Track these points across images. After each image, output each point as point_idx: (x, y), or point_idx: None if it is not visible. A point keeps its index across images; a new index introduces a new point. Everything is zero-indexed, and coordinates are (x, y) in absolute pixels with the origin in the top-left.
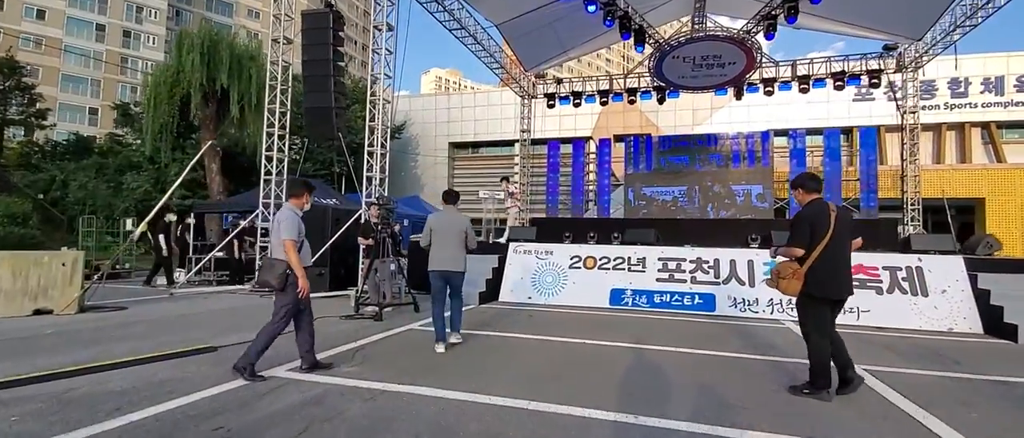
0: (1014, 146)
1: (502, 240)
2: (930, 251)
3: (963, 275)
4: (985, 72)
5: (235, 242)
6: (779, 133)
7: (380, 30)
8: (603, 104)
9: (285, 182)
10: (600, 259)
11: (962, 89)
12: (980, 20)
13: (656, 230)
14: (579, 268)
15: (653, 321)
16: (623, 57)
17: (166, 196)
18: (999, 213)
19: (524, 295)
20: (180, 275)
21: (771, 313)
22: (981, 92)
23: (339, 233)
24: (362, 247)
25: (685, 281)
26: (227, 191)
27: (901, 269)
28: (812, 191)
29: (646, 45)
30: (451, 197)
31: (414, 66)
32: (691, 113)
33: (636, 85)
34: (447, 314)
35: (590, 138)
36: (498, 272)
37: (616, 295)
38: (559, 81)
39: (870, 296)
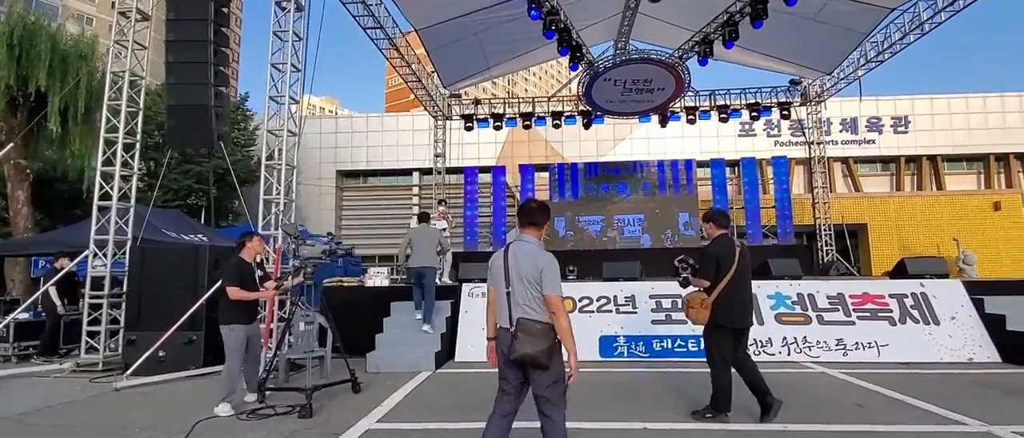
0: (867, 178)
1: (444, 280)
2: (926, 275)
3: (967, 300)
4: (842, 114)
5: (56, 296)
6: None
7: (286, 9)
8: (526, 127)
9: (139, 211)
10: (581, 300)
11: (826, 128)
12: (887, 57)
13: (580, 261)
14: None
15: (669, 377)
16: (507, 92)
17: None
18: (879, 236)
19: None
20: None
21: (787, 354)
22: (840, 131)
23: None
24: (274, 298)
25: (685, 321)
26: (38, 227)
27: (907, 296)
28: (722, 227)
29: (580, 64)
30: (424, 217)
31: None
32: (595, 143)
33: (560, 109)
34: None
35: (482, 170)
36: (452, 322)
37: (607, 344)
38: (477, 102)
39: (884, 328)
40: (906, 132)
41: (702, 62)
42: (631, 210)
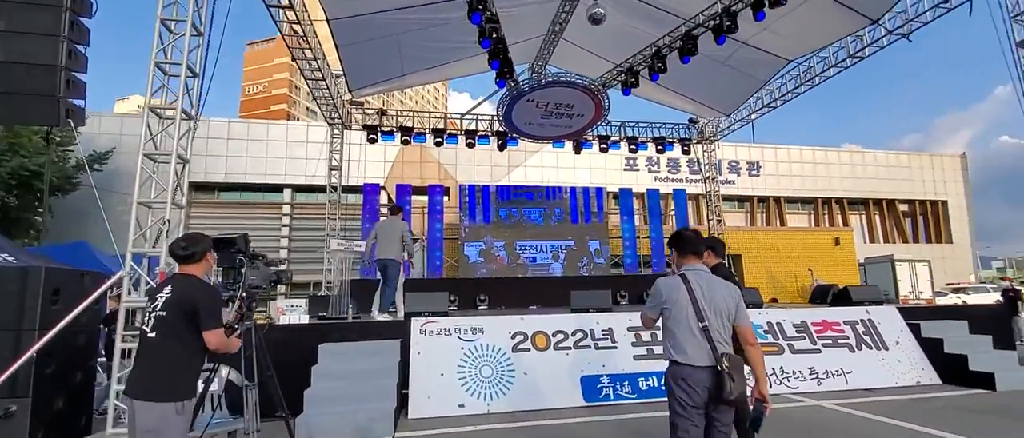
0: (728, 214)
1: (380, 314)
2: (865, 302)
3: (904, 325)
4: (708, 158)
5: None
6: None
7: None
8: (437, 144)
9: None
10: (554, 335)
11: (697, 168)
12: (779, 104)
13: (490, 289)
14: (528, 350)
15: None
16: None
17: None
18: (751, 267)
19: (453, 401)
20: None
21: (769, 386)
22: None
23: (68, 320)
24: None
25: None
26: None
27: (858, 323)
28: (720, 256)
29: (507, 81)
30: (394, 209)
31: (107, 88)
32: (490, 169)
33: (474, 128)
34: None
35: (383, 188)
36: (403, 366)
37: (590, 386)
38: (383, 112)
39: (846, 355)
40: (758, 176)
41: (626, 92)
42: (543, 236)
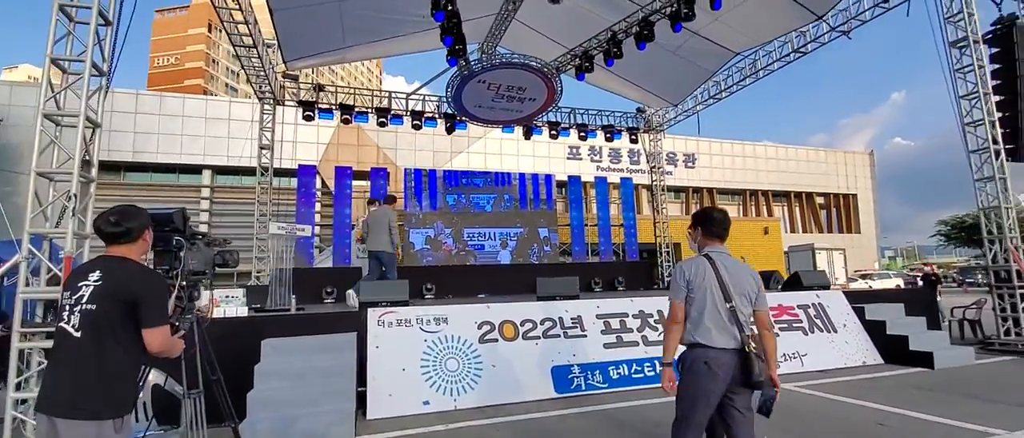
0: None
1: (350, 302)
2: (814, 286)
3: (850, 308)
4: (644, 149)
5: None
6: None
7: None
8: (381, 124)
9: None
10: (522, 324)
11: (636, 159)
12: (724, 96)
13: (436, 278)
14: (495, 341)
15: (652, 411)
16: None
17: None
18: (690, 255)
19: (417, 398)
20: None
21: None
22: (647, 162)
23: None
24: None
25: (637, 343)
26: None
27: (810, 307)
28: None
29: (459, 60)
30: (389, 200)
31: None
32: (432, 155)
33: (421, 109)
34: None
35: (318, 171)
36: (360, 362)
37: (561, 376)
38: (320, 88)
39: (800, 338)
40: (694, 167)
41: (580, 76)
42: (491, 223)
